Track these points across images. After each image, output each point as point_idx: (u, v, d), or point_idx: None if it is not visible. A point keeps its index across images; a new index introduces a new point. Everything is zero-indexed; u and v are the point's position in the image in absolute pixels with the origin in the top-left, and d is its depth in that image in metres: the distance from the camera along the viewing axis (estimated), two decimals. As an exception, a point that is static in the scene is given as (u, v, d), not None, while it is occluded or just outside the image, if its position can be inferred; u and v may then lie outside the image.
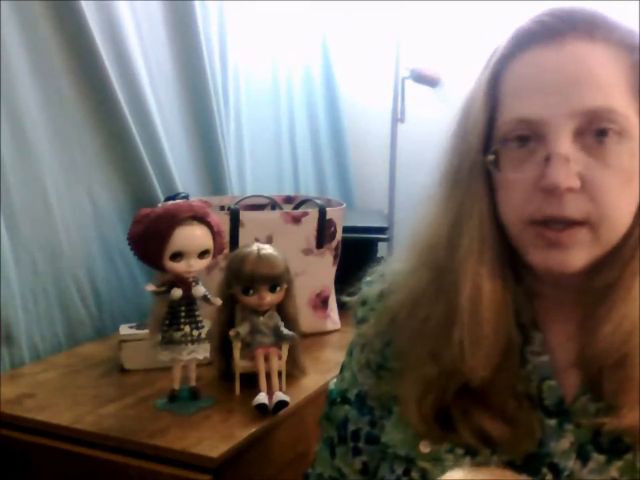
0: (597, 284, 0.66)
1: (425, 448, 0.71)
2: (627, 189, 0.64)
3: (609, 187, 0.63)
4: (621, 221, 0.65)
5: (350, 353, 0.84)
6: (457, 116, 0.72)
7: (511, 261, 0.70)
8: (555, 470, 0.67)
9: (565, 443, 0.67)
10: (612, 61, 0.64)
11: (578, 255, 0.65)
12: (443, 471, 0.69)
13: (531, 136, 0.65)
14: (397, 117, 2.17)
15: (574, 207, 0.63)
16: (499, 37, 0.70)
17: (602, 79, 0.63)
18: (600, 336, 0.64)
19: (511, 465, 0.68)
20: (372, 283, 0.83)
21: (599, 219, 0.64)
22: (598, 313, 0.66)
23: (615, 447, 0.66)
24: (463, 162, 0.69)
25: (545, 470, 0.68)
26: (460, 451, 0.70)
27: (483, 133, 0.68)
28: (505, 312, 0.69)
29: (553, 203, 0.64)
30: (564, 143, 0.63)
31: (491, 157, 0.67)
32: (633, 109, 0.64)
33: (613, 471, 0.65)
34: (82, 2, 1.36)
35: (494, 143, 0.68)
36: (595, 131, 0.63)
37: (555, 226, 0.64)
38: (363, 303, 0.82)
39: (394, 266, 0.79)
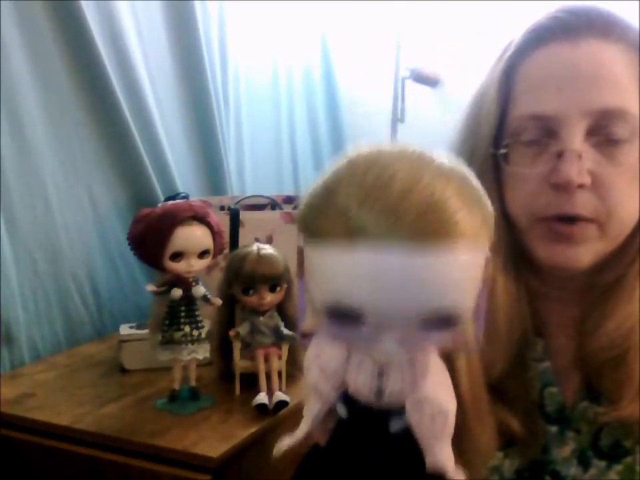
0: (600, 283, 0.67)
1: None
2: (634, 187, 0.64)
3: (618, 185, 0.63)
4: (628, 219, 0.65)
5: None
6: (467, 110, 0.71)
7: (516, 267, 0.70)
8: (557, 478, 0.67)
9: (566, 450, 0.68)
10: (625, 62, 0.64)
11: (585, 251, 0.65)
12: None
13: (542, 132, 0.65)
14: (397, 117, 2.17)
15: (583, 205, 0.63)
16: (513, 32, 0.69)
17: (616, 78, 0.63)
18: (603, 332, 0.65)
19: (518, 474, 0.68)
20: None
21: (607, 217, 0.64)
22: (601, 310, 0.66)
23: (614, 451, 0.66)
24: (472, 157, 0.68)
25: (547, 478, 0.68)
26: None
27: (495, 127, 0.67)
28: (517, 303, 0.68)
29: (563, 199, 0.63)
30: (577, 140, 0.63)
31: (502, 151, 0.66)
32: None
33: (613, 475, 0.65)
34: (82, 2, 1.36)
35: (505, 138, 0.67)
36: (607, 130, 0.63)
37: (565, 221, 0.64)
38: None
39: None
